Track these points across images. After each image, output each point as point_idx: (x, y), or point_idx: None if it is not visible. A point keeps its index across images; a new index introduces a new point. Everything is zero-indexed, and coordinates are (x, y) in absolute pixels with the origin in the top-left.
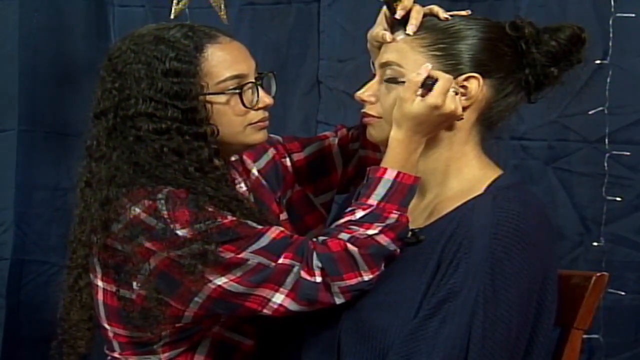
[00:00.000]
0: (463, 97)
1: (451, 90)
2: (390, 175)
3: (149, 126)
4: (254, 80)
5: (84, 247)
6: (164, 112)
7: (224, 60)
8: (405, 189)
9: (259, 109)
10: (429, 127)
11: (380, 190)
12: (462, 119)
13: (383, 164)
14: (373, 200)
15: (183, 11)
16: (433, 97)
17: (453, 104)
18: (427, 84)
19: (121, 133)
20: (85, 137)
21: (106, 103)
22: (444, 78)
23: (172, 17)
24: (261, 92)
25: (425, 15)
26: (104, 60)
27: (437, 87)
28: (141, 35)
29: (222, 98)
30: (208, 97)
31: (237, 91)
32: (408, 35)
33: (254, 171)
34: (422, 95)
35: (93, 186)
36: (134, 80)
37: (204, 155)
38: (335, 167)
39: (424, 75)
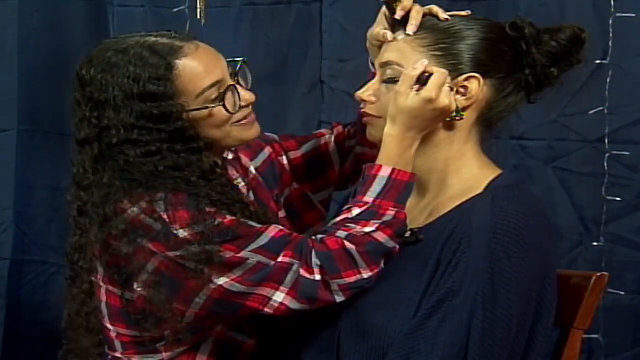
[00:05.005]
0: (463, 97)
1: (446, 85)
2: (385, 172)
3: (136, 152)
4: (232, 82)
5: (88, 273)
6: (149, 136)
7: (197, 73)
8: (402, 186)
9: (242, 107)
10: (422, 122)
11: (376, 188)
12: (462, 119)
13: (378, 161)
14: (369, 198)
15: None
16: (427, 91)
17: (447, 99)
18: (423, 80)
19: (111, 158)
20: (72, 165)
21: (87, 131)
22: (439, 72)
23: (198, 17)
24: (241, 91)
25: (425, 15)
26: (74, 79)
27: (432, 81)
28: (107, 59)
29: (205, 112)
30: (191, 115)
31: (220, 103)
32: (408, 35)
33: (252, 169)
34: (418, 91)
35: (89, 212)
36: (111, 109)
37: (205, 166)
38: (333, 165)
39: (420, 70)
